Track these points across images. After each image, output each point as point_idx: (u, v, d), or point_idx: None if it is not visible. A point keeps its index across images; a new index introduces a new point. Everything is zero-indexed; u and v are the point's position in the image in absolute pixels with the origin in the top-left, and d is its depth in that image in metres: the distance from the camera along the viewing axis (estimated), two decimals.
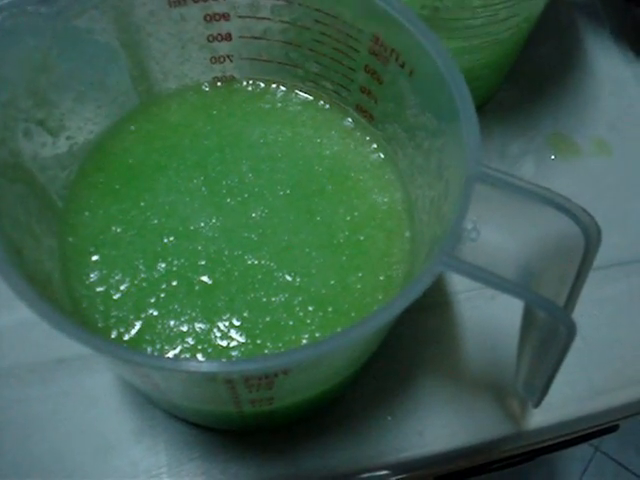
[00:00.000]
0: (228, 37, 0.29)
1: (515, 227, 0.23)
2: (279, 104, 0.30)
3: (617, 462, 0.99)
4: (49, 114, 0.26)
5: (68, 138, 0.28)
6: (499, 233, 0.23)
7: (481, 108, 0.40)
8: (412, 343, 0.33)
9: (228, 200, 0.28)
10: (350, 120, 0.30)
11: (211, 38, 0.29)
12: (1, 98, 0.24)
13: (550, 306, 0.21)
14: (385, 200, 0.28)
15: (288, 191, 0.28)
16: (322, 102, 0.30)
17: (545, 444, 0.36)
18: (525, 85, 0.41)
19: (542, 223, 0.23)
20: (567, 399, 0.33)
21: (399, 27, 0.25)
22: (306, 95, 0.30)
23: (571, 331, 0.22)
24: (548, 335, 0.24)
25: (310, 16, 0.27)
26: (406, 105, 0.27)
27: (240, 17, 0.28)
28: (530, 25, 0.35)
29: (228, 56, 0.29)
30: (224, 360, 0.24)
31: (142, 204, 0.28)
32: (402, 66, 0.26)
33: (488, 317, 0.34)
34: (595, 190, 0.38)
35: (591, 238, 0.23)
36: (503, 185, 0.22)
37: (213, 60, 0.30)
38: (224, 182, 0.28)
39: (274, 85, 0.31)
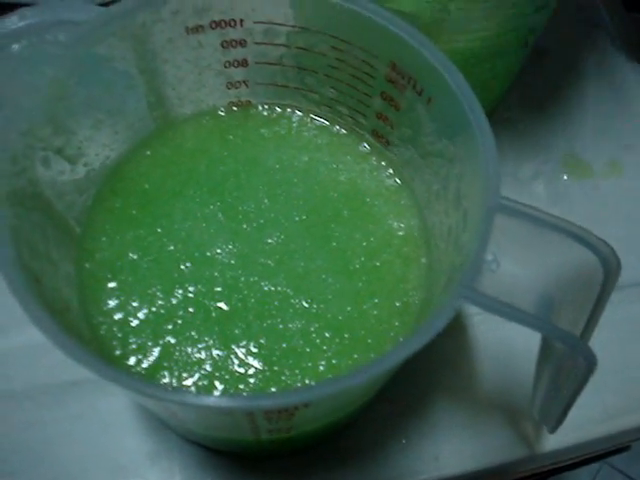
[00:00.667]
0: (244, 63, 0.29)
1: (534, 257, 0.23)
2: (295, 129, 0.30)
3: (625, 474, 0.99)
4: (67, 142, 0.26)
5: (85, 165, 0.28)
6: (518, 263, 0.23)
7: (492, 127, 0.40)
8: (427, 366, 0.33)
9: (244, 226, 0.28)
10: (366, 145, 0.30)
11: (227, 64, 0.29)
12: (20, 127, 0.24)
13: (570, 339, 0.21)
14: (401, 226, 0.29)
15: (304, 217, 0.28)
16: (338, 127, 0.30)
17: (557, 465, 0.36)
18: (535, 104, 0.41)
19: (561, 253, 0.23)
20: (581, 422, 0.33)
21: (416, 55, 0.25)
22: (322, 120, 0.31)
23: (591, 363, 0.22)
24: (566, 364, 0.24)
25: (326, 42, 0.27)
26: (423, 132, 0.27)
27: (256, 43, 0.28)
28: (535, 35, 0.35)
29: (244, 81, 0.30)
30: (245, 395, 0.24)
31: (159, 230, 0.28)
32: (420, 94, 0.26)
33: (503, 340, 0.34)
34: (608, 211, 0.38)
35: (610, 269, 0.23)
36: (522, 216, 0.22)
37: (229, 85, 0.30)
38: (240, 208, 0.28)
39: (290, 110, 0.31)
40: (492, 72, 0.34)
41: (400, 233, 0.28)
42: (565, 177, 0.39)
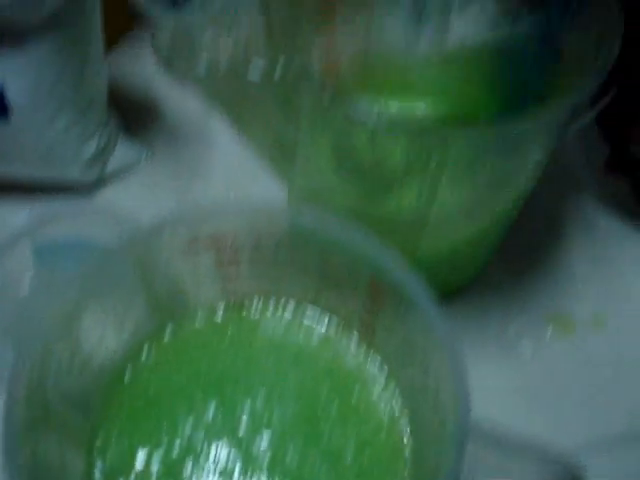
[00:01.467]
0: (239, 274, 0.31)
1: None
2: (288, 321, 0.33)
3: None
4: (77, 350, 0.29)
5: (90, 366, 0.30)
6: None
7: (477, 288, 0.42)
8: None
9: (242, 423, 0.30)
10: (355, 335, 0.32)
11: (223, 273, 0.31)
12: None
13: None
14: (389, 416, 0.30)
15: (297, 411, 0.30)
16: (327, 319, 0.33)
17: None
18: (519, 264, 0.43)
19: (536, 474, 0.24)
20: None
21: (392, 274, 0.27)
22: (312, 313, 0.33)
23: None
24: None
25: (311, 252, 0.30)
26: (401, 334, 0.29)
27: (249, 260, 0.31)
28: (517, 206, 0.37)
29: (239, 286, 0.32)
30: None
31: (164, 438, 0.30)
32: (398, 305, 0.28)
33: None
34: (592, 368, 0.40)
35: None
36: (495, 443, 0.24)
37: (225, 287, 0.32)
38: (238, 406, 0.30)
39: (283, 301, 0.33)
40: (474, 254, 0.37)
41: (388, 423, 0.30)
42: (549, 335, 0.41)
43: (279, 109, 0.30)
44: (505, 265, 0.43)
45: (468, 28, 0.39)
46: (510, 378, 0.39)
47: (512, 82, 0.38)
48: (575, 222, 0.45)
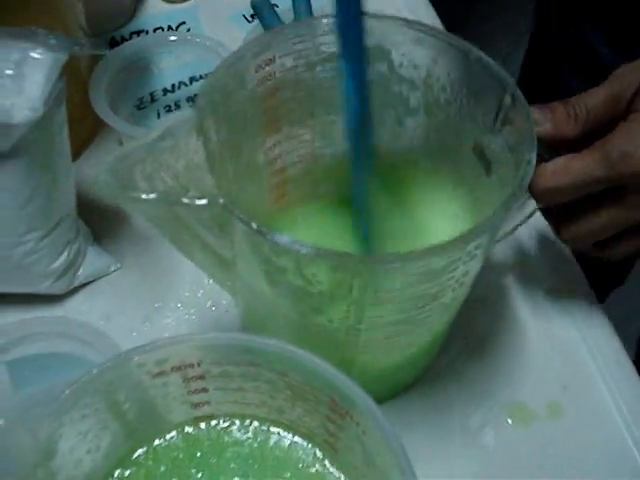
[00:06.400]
0: (205, 390, 0.33)
1: None
2: (253, 439, 0.34)
3: None
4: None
5: None
6: None
7: (436, 381, 0.44)
8: None
9: None
10: (318, 451, 0.34)
11: (190, 393, 0.33)
12: None
13: None
14: None
15: None
16: (292, 435, 0.34)
17: None
18: (478, 353, 0.45)
19: None
20: None
21: (350, 396, 0.29)
22: (278, 429, 0.34)
23: None
24: None
25: (272, 375, 0.32)
26: (362, 449, 0.31)
27: (215, 386, 0.32)
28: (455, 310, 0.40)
29: (206, 402, 0.34)
30: None
31: None
32: (357, 425, 0.30)
33: None
34: (552, 457, 0.41)
35: None
36: None
37: (193, 406, 0.34)
38: None
39: (248, 420, 0.34)
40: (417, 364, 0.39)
41: None
42: (510, 422, 0.43)
43: (213, 234, 0.32)
44: (464, 355, 0.45)
45: (414, 138, 0.42)
46: (474, 467, 0.41)
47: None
48: (527, 309, 0.48)
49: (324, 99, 0.41)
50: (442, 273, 0.31)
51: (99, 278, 0.48)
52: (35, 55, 0.39)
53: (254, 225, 0.29)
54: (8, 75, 0.38)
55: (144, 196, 0.30)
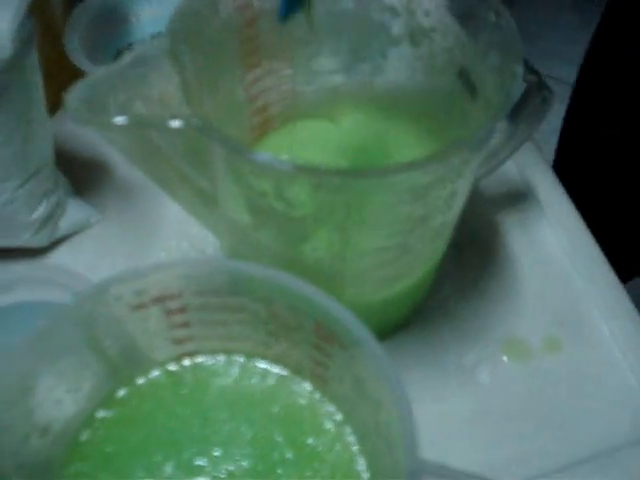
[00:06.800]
0: (187, 325, 0.32)
1: None
2: (239, 375, 0.33)
3: None
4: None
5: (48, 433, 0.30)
6: None
7: (431, 319, 0.43)
8: None
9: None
10: (308, 384, 0.33)
11: (172, 327, 0.32)
12: None
13: None
14: (345, 461, 0.31)
15: (253, 464, 0.31)
16: (279, 369, 0.33)
17: None
18: (470, 290, 0.44)
19: None
20: None
21: (334, 318, 0.28)
22: (264, 365, 0.33)
23: None
24: None
25: (255, 306, 0.31)
26: (353, 377, 0.29)
27: (198, 319, 0.31)
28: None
29: (189, 337, 0.32)
30: None
31: None
32: (345, 349, 0.29)
33: None
34: (550, 392, 0.40)
35: None
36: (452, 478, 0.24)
37: (176, 342, 0.33)
38: (195, 463, 0.30)
39: (234, 356, 0.33)
40: (408, 302, 0.38)
41: (345, 469, 0.31)
42: (505, 359, 0.42)
43: (191, 162, 0.30)
44: (455, 294, 0.44)
45: (398, 71, 0.41)
46: (470, 405, 0.40)
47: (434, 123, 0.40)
48: (522, 240, 0.47)
49: (304, 32, 0.39)
50: (428, 191, 0.30)
51: (81, 231, 0.47)
52: None
53: (232, 143, 0.28)
54: None
55: (116, 120, 0.29)
